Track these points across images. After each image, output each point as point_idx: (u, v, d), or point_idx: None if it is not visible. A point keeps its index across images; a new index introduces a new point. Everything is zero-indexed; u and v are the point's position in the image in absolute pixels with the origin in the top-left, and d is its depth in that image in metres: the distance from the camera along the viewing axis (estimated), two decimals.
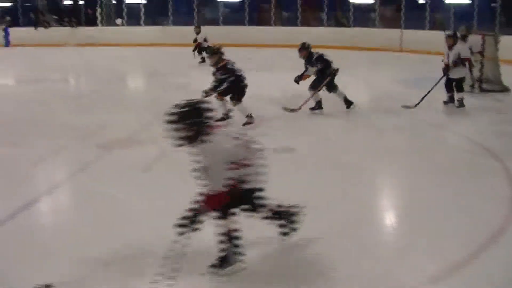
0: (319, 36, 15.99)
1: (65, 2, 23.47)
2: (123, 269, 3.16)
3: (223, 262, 3.03)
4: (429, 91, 7.85)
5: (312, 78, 7.52)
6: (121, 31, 20.47)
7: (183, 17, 20.42)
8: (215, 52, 6.81)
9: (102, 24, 21.51)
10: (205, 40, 13.55)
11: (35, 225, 3.98)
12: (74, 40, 19.48)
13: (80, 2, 22.20)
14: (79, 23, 21.13)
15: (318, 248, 3.41)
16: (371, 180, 5.01)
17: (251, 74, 7.50)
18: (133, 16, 21.29)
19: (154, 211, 4.01)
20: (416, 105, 7.82)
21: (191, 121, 2.83)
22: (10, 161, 5.50)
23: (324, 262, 3.26)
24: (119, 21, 21.94)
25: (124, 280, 3.05)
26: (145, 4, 21.10)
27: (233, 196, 2.95)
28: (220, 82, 6.73)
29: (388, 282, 3.02)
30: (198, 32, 13.90)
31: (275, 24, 19.82)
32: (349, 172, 5.03)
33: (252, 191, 3.05)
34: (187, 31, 15.41)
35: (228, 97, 6.82)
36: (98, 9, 21.52)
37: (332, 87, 7.44)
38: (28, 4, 22.64)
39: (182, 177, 4.76)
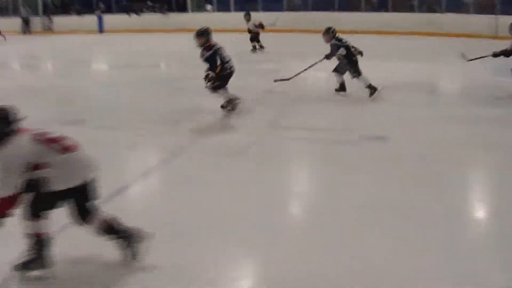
0: (410, 22, 15.72)
1: None
2: (221, 253, 3.26)
3: (28, 264, 2.95)
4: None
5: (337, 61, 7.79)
6: (211, 17, 21.08)
7: (272, 4, 20.71)
8: (202, 33, 6.73)
9: (193, 10, 22.27)
10: (256, 26, 13.73)
11: (130, 209, 4.13)
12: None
13: None
14: (169, 10, 22.04)
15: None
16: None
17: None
18: (222, 2, 21.91)
19: (247, 197, 4.12)
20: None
21: None
22: (107, 144, 5.81)
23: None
24: (209, 7, 22.65)
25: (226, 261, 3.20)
26: None
27: (37, 199, 2.88)
28: (208, 62, 6.63)
29: None
30: (248, 20, 14.06)
31: (365, 10, 19.62)
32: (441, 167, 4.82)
33: (61, 193, 2.89)
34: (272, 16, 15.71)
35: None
36: None
37: (355, 72, 7.62)
38: None
39: (274, 163, 4.97)
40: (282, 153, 5.40)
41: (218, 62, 6.53)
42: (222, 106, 6.91)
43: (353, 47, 7.63)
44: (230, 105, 6.87)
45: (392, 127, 6.11)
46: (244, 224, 3.63)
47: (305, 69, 8.09)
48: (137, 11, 21.82)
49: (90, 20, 22.06)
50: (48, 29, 23.55)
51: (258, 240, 3.40)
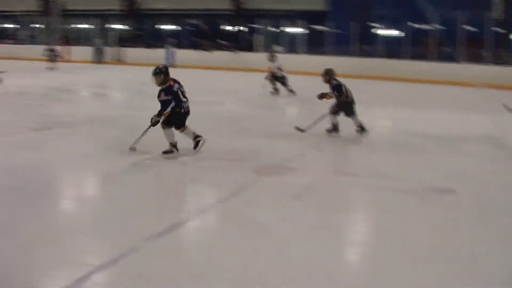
0: (479, 73, 15.88)
1: (227, 28, 25.63)
2: None
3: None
4: None
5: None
6: (279, 58, 21.80)
7: (341, 48, 21.30)
8: (158, 72, 6.79)
9: (261, 51, 23.08)
10: (279, 69, 14.07)
11: (186, 245, 4.28)
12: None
13: (241, 28, 24.15)
14: (239, 49, 22.92)
15: None
16: None
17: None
18: (291, 44, 22.68)
19: (304, 240, 4.26)
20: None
21: None
22: (170, 176, 6.20)
23: None
24: (278, 48, 23.40)
25: None
26: (304, 34, 22.38)
27: None
28: (162, 104, 6.76)
29: None
30: (272, 61, 14.44)
31: (433, 60, 19.92)
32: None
33: None
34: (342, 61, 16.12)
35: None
36: (257, 36, 23.18)
37: (349, 112, 8.45)
38: (193, 29, 25.25)
39: (334, 208, 5.09)
40: (342, 198, 5.57)
41: (169, 109, 6.72)
42: (164, 152, 6.94)
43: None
44: (172, 149, 6.90)
45: (457, 179, 6.20)
46: (303, 271, 3.71)
47: (319, 119, 8.56)
48: (208, 48, 22.84)
49: (160, 53, 23.30)
50: (119, 60, 24.95)
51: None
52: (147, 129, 6.95)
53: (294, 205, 5.19)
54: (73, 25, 29.51)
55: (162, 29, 26.70)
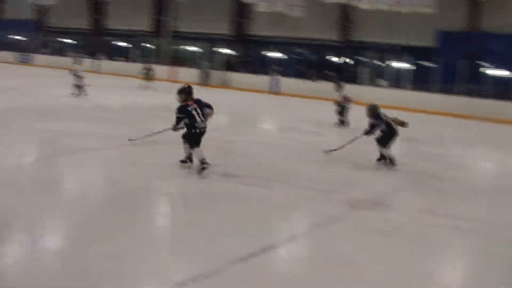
0: None
1: (332, 59, 26.52)
2: None
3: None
4: None
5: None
6: (383, 92, 22.37)
7: (447, 86, 21.51)
8: (180, 91, 7.72)
9: (365, 83, 23.70)
10: (346, 99, 14.62)
11: (269, 272, 4.47)
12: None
13: (347, 60, 24.98)
14: (342, 80, 23.71)
15: None
16: None
17: None
18: (396, 79, 23.19)
19: (392, 281, 4.42)
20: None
21: None
22: (255, 201, 6.54)
23: None
24: (382, 82, 23.96)
25: None
26: (410, 69, 22.85)
27: None
28: (176, 119, 7.61)
29: None
30: (337, 90, 15.18)
31: None
32: None
33: None
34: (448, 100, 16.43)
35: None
36: (362, 68, 23.88)
37: (384, 143, 9.08)
38: (299, 57, 26.43)
39: (423, 250, 5.17)
40: (435, 241, 5.57)
41: (180, 125, 7.64)
42: (180, 161, 7.90)
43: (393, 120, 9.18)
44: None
45: None
46: None
47: (349, 143, 9.53)
48: (313, 78, 23.81)
49: (265, 80, 24.54)
50: (224, 84, 26.47)
51: None
52: (157, 133, 8.50)
53: (384, 243, 5.30)
54: (182, 47, 31.57)
55: (269, 56, 28.13)
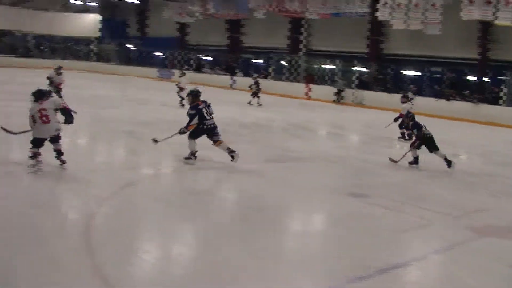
0: None
1: (471, 78, 26.78)
2: None
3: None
4: None
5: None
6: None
7: None
8: (190, 93, 9.65)
9: (507, 104, 23.72)
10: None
11: None
12: None
13: (486, 79, 25.19)
14: (481, 100, 23.96)
15: None
16: None
17: None
18: None
19: None
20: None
21: None
22: (382, 222, 6.93)
23: None
24: None
25: None
26: None
27: None
28: (188, 117, 9.28)
29: None
30: (405, 102, 15.59)
31: None
32: None
33: None
34: None
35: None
36: (503, 88, 24.01)
37: (432, 148, 10.83)
38: (436, 76, 27.08)
39: None
40: None
41: (193, 122, 9.23)
42: (185, 158, 9.52)
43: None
44: (191, 156, 9.45)
45: None
46: None
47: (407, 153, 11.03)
48: (449, 97, 24.36)
49: (398, 98, 25.39)
50: (359, 102, 27.74)
51: None
52: (174, 135, 9.54)
53: (507, 274, 5.32)
54: (316, 65, 33.35)
55: (404, 74, 28.98)
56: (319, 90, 30.60)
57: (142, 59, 46.28)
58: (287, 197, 7.97)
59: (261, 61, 37.93)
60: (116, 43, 51.19)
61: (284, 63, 35.45)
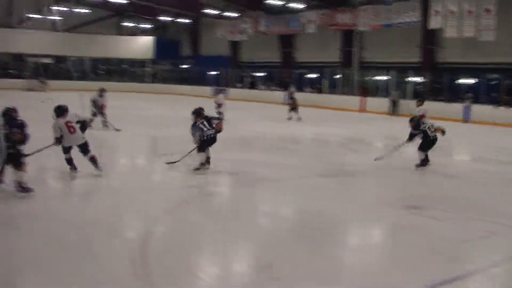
0: None
1: None
2: None
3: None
4: None
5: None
6: None
7: None
8: (192, 113, 10.80)
9: None
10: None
11: None
12: None
13: None
14: None
15: None
16: None
17: None
18: None
19: None
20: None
21: None
22: (435, 234, 7.05)
23: None
24: None
25: None
26: None
27: None
28: (192, 134, 10.60)
29: None
30: (420, 105, 16.48)
31: None
32: None
33: None
34: None
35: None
36: None
37: (424, 148, 11.92)
38: (493, 83, 27.24)
39: None
40: None
41: (196, 138, 10.49)
42: (195, 168, 10.59)
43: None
44: (201, 166, 10.59)
45: None
46: None
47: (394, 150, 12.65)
48: (507, 104, 24.52)
49: (457, 108, 25.78)
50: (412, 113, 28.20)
51: None
52: (191, 151, 10.72)
53: None
54: (370, 77, 34.09)
55: (460, 83, 29.21)
56: (373, 102, 31.21)
57: (196, 78, 48.01)
58: (343, 211, 8.13)
59: (314, 75, 38.90)
60: (170, 63, 53.29)
61: (338, 76, 36.32)
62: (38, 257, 5.65)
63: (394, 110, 29.72)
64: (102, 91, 17.84)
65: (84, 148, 9.58)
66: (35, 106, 23.20)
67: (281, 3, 35.28)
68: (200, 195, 9.23)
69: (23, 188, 7.99)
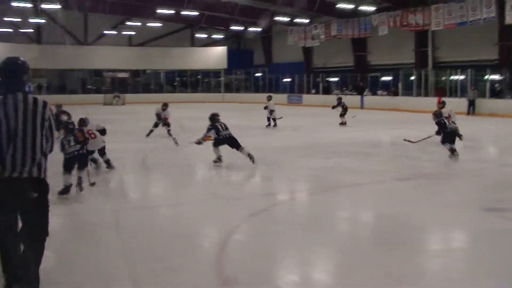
0: None
1: None
2: None
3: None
4: None
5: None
6: None
7: None
8: (209, 117, 12.77)
9: None
10: None
11: None
12: None
13: None
14: None
15: None
16: None
17: None
18: None
19: None
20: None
21: None
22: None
23: None
24: None
25: None
26: None
27: None
28: (206, 130, 12.67)
29: None
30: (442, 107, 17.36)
31: None
32: None
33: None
34: None
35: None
36: None
37: (446, 140, 13.28)
38: None
39: None
40: None
41: (206, 135, 12.66)
42: (214, 161, 12.53)
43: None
44: (217, 160, 12.50)
45: None
46: None
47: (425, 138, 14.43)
48: None
49: None
50: (491, 111, 28.38)
51: None
52: (195, 140, 12.92)
53: None
54: (445, 77, 34.38)
55: None
56: (450, 102, 31.01)
57: (270, 86, 49.49)
58: (422, 216, 8.03)
59: (389, 78, 39.57)
60: (243, 72, 55.07)
61: (412, 78, 36.77)
62: (115, 268, 5.88)
63: (471, 109, 29.98)
64: (164, 105, 19.62)
65: (102, 152, 11.75)
66: (111, 118, 25.27)
67: (351, 6, 36.17)
68: (278, 203, 9.35)
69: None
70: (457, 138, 13.57)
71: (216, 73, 55.18)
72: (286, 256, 6.36)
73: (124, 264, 6.00)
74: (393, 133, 20.66)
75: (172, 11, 43.45)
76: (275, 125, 22.80)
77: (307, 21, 42.96)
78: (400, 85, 37.62)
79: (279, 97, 44.58)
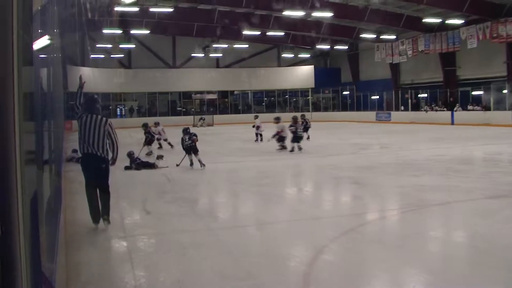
0: None
1: None
2: None
3: None
4: None
5: None
6: None
7: None
8: (182, 131, 16.35)
9: None
10: None
11: None
12: None
13: None
14: None
15: None
16: None
17: None
18: None
19: None
20: None
21: None
22: None
23: None
24: None
25: None
26: None
27: None
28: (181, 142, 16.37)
29: None
30: None
31: None
32: None
33: None
34: None
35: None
36: None
37: None
38: None
39: None
40: None
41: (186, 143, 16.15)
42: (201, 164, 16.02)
43: None
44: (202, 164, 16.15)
45: None
46: None
47: None
48: None
49: None
50: None
51: None
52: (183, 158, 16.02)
53: None
54: None
55: None
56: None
57: (358, 103, 50.13)
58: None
59: (480, 92, 39.38)
60: (331, 91, 55.91)
61: (505, 91, 36.43)
62: (206, 284, 6.01)
63: None
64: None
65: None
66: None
67: (438, 20, 36.50)
68: (367, 222, 9.22)
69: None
70: None
71: (303, 92, 56.60)
72: (374, 276, 6.29)
73: (211, 283, 6.06)
74: (485, 149, 20.49)
75: (258, 32, 45.42)
76: (261, 139, 25.98)
77: (393, 37, 43.64)
78: (491, 99, 37.35)
79: (368, 115, 45.26)
